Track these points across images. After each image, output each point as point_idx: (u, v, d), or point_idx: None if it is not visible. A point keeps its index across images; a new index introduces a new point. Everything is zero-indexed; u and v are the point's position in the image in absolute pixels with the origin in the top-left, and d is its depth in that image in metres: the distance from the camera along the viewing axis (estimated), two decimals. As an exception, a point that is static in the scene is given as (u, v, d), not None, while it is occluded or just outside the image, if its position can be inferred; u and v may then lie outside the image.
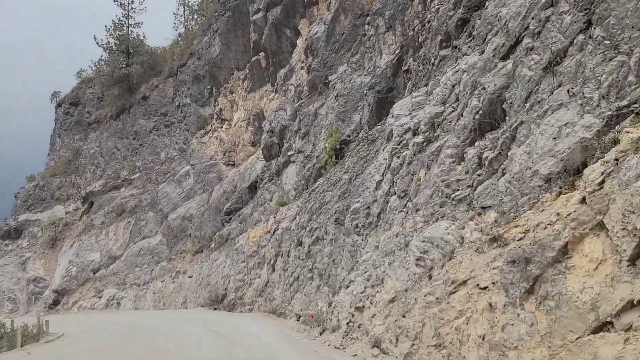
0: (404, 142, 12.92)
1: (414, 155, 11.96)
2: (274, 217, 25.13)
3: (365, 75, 23.23)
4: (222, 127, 37.19)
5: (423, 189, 10.83)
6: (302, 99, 28.46)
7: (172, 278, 32.05)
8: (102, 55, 45.61)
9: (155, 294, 31.99)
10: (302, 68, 29.41)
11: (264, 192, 29.01)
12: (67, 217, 43.40)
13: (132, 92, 46.53)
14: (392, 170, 12.97)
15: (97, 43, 45.90)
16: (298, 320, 15.90)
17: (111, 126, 46.95)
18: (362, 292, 12.28)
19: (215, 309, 26.25)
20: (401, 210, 11.60)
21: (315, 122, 26.26)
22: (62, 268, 37.30)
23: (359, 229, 15.19)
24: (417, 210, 10.99)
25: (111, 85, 47.60)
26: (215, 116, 37.66)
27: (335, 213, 17.66)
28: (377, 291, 11.64)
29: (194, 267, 31.18)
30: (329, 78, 26.19)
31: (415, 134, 12.64)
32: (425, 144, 11.69)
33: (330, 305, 13.82)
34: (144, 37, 46.49)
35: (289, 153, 27.66)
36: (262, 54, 33.37)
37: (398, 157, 12.94)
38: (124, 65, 45.77)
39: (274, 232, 24.07)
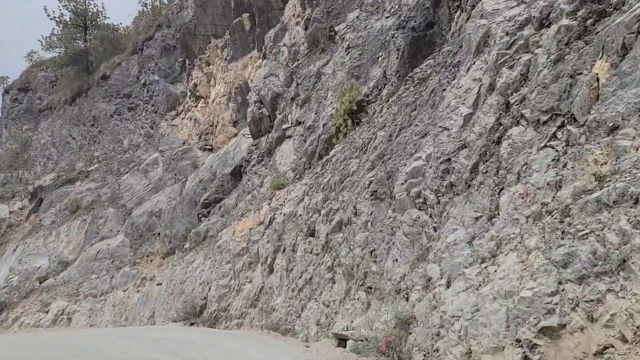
0: (521, 41, 7.79)
1: (566, 45, 6.78)
2: (269, 204, 19.67)
3: (387, 17, 18.07)
4: (197, 106, 31.55)
5: (614, 92, 5.65)
6: (298, 60, 23.13)
7: (136, 286, 26.20)
8: (54, 29, 39.59)
9: (116, 307, 26.08)
10: (297, 24, 24.09)
11: (252, 176, 23.51)
12: (12, 217, 36.95)
13: (90, 72, 40.45)
14: (503, 89, 7.80)
15: (47, 15, 39.72)
16: (339, 346, 10.40)
17: (65, 112, 40.74)
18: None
19: (192, 324, 20.56)
20: (547, 145, 6.40)
21: (318, 84, 20.97)
22: (1, 278, 30.94)
23: (423, 200, 9.92)
24: (599, 134, 5.82)
25: (65, 64, 41.43)
26: (189, 93, 31.99)
27: (369, 185, 12.37)
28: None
29: (164, 273, 25.42)
30: (336, 29, 20.95)
31: (542, 25, 7.50)
32: (590, 21, 6.54)
33: (399, 320, 8.42)
34: (103, 8, 40.50)
35: (284, 126, 22.29)
36: (245, 14, 27.95)
37: (512, 67, 7.79)
38: (80, 42, 39.67)
39: (270, 223, 18.61)
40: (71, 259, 30.06)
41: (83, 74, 40.49)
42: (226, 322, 19.08)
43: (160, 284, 25.07)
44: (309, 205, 15.63)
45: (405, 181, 10.62)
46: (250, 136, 24.80)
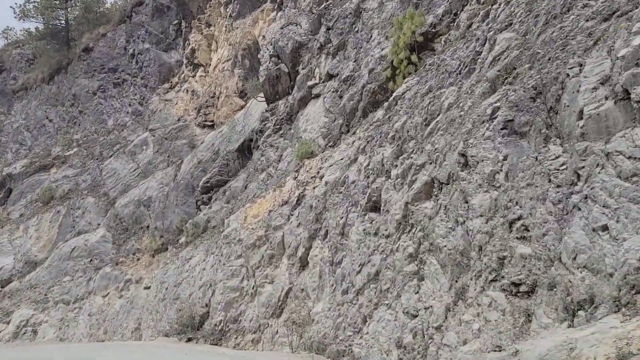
0: None
1: None
2: (295, 178, 14.75)
3: None
4: (194, 76, 26.67)
5: None
6: (328, 1, 18.31)
7: (119, 291, 21.13)
8: (30, -1, 34.89)
9: (93, 316, 21.00)
10: (323, -41, 19.29)
11: (267, 150, 18.60)
12: (-25, 211, 31.83)
13: (71, 46, 35.49)
14: None
15: (23, -20, 34.76)
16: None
17: (42, 92, 35.69)
18: None
19: (189, 339, 15.56)
20: None
21: (357, 25, 16.17)
22: (-44, 280, 25.83)
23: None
24: None
25: (43, 38, 36.48)
26: (186, 61, 27.11)
27: (493, 115, 7.52)
28: None
29: (154, 274, 20.40)
30: (380, -48, 16.17)
31: None
32: None
33: None
34: (87, -27, 35.57)
35: (309, 83, 17.46)
36: (255, -40, 23.18)
37: None
38: (60, 10, 34.74)
39: (299, 200, 13.70)
40: (41, 257, 24.96)
41: (63, 47, 35.55)
42: (237, 338, 14.10)
43: (149, 288, 20.05)
44: (368, 165, 10.71)
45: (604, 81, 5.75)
46: (263, 99, 19.90)
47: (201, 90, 25.91)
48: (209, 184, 21.38)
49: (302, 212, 13.00)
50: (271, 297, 13.35)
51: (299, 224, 12.96)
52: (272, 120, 18.89)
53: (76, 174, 28.62)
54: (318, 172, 13.73)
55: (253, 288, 14.33)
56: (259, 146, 19.56)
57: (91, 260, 23.41)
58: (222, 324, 14.88)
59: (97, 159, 28.48)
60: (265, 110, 19.47)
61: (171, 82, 27.98)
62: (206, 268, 17.09)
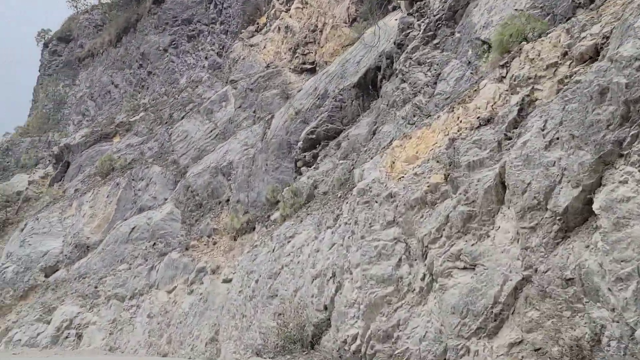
0: None
1: None
2: (501, 79, 8.13)
3: None
4: (289, 10, 20.78)
5: None
6: None
7: (188, 284, 15.35)
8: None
9: (154, 319, 15.32)
10: None
11: (411, 72, 12.12)
12: (30, 188, 27.57)
13: (141, 1, 30.83)
14: None
15: None
16: None
17: (108, 56, 31.33)
18: None
19: (300, 365, 9.33)
20: None
21: None
22: (-4, 267, 21.25)
23: None
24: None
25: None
26: (277, -7, 21.27)
27: None
28: None
29: (237, 261, 14.43)
30: None
31: None
32: None
33: None
34: None
35: (490, -45, 10.77)
36: None
37: None
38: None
39: (522, 111, 7.05)
40: (94, 240, 19.77)
41: (132, 3, 30.93)
42: (394, 370, 7.65)
43: (230, 281, 14.09)
44: None
45: None
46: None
47: (298, 25, 19.93)
48: (313, 137, 15.22)
49: (553, 123, 6.35)
50: (473, 297, 6.81)
51: (550, 144, 6.31)
52: (419, 26, 12.39)
53: (141, 142, 23.49)
54: (564, 55, 7.06)
55: (424, 279, 7.85)
56: (395, 72, 13.13)
57: (154, 243, 17.88)
58: (359, 343, 8.51)
59: (166, 122, 23.21)
60: (408, 14, 12.99)
61: (257, 24, 22.25)
62: (321, 249, 10.81)
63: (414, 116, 11.44)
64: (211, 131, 20.55)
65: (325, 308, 9.89)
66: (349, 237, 9.57)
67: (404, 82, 12.35)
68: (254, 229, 15.96)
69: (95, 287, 17.58)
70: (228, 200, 17.85)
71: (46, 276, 19.65)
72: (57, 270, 19.71)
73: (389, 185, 9.25)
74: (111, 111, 28.58)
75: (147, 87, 27.67)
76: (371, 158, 11.63)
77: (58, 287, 18.78)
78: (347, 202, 10.62)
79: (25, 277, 19.72)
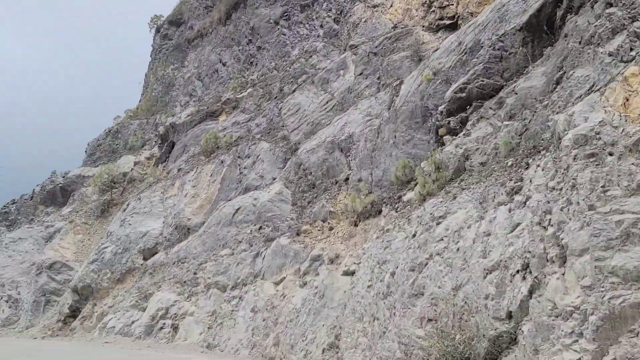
0: None
1: None
2: None
3: None
4: (421, -40, 17.64)
5: None
6: None
7: (300, 275, 12.75)
8: None
9: (258, 314, 12.89)
10: None
11: (623, -10, 8.50)
12: (135, 169, 26.70)
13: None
14: None
15: None
16: None
17: (217, 34, 29.98)
18: None
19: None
20: None
21: None
22: (95, 249, 20.07)
23: None
24: None
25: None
26: (407, -58, 18.22)
27: None
28: None
29: (362, 249, 11.59)
30: None
31: None
32: None
33: None
34: None
35: None
36: None
37: None
38: None
39: None
40: (195, 222, 17.87)
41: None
42: None
43: (352, 273, 11.26)
44: None
45: None
46: None
47: (433, -24, 16.75)
48: (463, 96, 11.99)
49: None
50: None
51: None
52: None
53: (248, 119, 21.46)
54: None
55: None
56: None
57: (260, 227, 15.52)
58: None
59: (275, 97, 20.97)
60: None
61: (382, -19, 19.34)
62: (494, 232, 7.66)
63: (631, 50, 7.92)
64: (327, 103, 17.94)
65: (510, 316, 6.73)
66: (561, 209, 6.30)
67: (612, 5, 8.82)
68: (379, 212, 13.06)
69: (195, 274, 15.55)
70: (347, 179, 15.10)
71: (144, 259, 18.05)
72: (156, 253, 18.04)
73: (628, 129, 5.90)
74: (218, 90, 27.06)
75: (255, 63, 25.78)
76: (563, 108, 8.28)
77: (156, 272, 17.04)
78: (538, 165, 7.37)
79: (123, 258, 18.25)
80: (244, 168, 18.25)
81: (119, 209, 23.97)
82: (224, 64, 28.10)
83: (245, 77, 25.26)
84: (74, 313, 18.85)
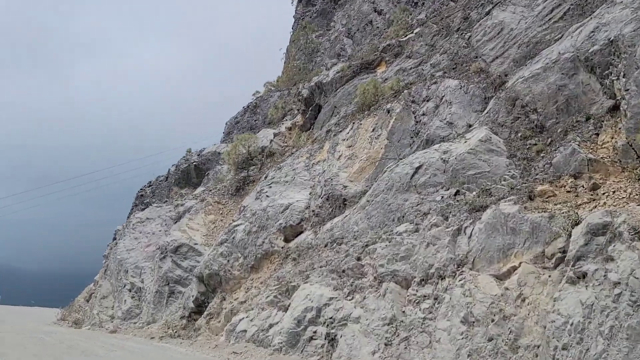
0: None
1: None
2: None
3: None
4: None
5: None
6: None
7: (553, 262, 7.14)
8: None
9: (476, 327, 7.49)
10: None
11: None
12: (275, 141, 22.69)
13: None
14: None
15: None
16: None
17: (369, -17, 25.14)
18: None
19: None
20: None
21: None
22: (225, 227, 16.03)
23: None
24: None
25: None
26: None
27: None
28: None
29: None
30: None
31: None
32: None
33: None
34: None
35: None
36: None
37: None
38: None
39: None
40: (353, 190, 12.90)
41: None
42: None
43: None
44: None
45: None
46: None
47: None
48: None
49: None
50: None
51: None
52: None
53: (419, 62, 16.16)
54: None
55: None
56: None
57: (457, 191, 10.08)
58: None
59: (457, 29, 15.42)
60: None
61: None
62: None
63: None
64: (551, 11, 11.99)
65: None
66: None
67: None
68: None
69: (358, 259, 10.53)
70: (613, 109, 9.13)
71: (286, 240, 13.47)
72: (301, 232, 13.37)
73: None
74: (372, 42, 22.13)
75: (421, 3, 20.45)
76: None
77: (301, 257, 12.33)
78: None
79: (258, 239, 13.84)
80: (422, 115, 12.93)
81: (253, 188, 20.09)
82: (379, 13, 23.16)
83: (409, 20, 20.02)
84: (199, 308, 14.88)
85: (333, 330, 9.51)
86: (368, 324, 9.06)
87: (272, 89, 30.25)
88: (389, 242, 10.15)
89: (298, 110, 23.40)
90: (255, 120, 28.52)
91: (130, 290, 18.18)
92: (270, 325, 11.13)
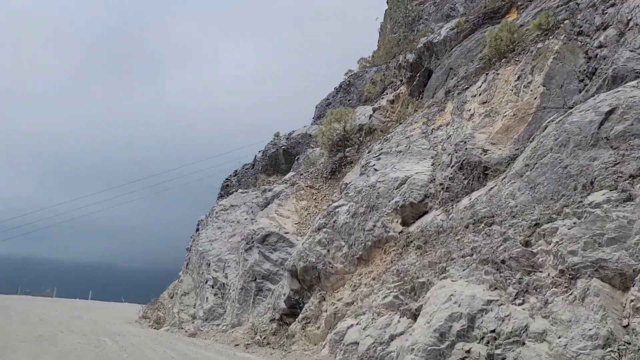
0: None
1: None
2: None
3: None
4: None
5: None
6: None
7: None
8: None
9: None
10: None
11: None
12: (375, 116, 19.55)
13: None
14: None
15: None
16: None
17: None
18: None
19: None
20: None
21: None
22: (323, 210, 13.10)
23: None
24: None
25: None
26: None
27: None
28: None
29: None
30: None
31: None
32: None
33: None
34: None
35: None
36: None
37: None
38: None
39: None
40: (497, 155, 9.51)
41: None
42: None
43: None
44: None
45: None
46: None
47: None
48: None
49: None
50: None
51: None
52: None
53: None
54: None
55: None
56: None
57: (689, 140, 6.45)
58: None
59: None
60: None
61: None
62: None
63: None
64: None
65: None
66: None
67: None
68: None
69: (526, 245, 7.16)
70: None
71: (404, 223, 10.27)
72: (425, 212, 10.11)
73: None
74: (492, -6, 18.43)
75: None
76: None
77: (429, 244, 9.09)
78: None
79: (367, 222, 10.73)
80: (598, 48, 9.28)
81: (351, 169, 17.15)
82: (498, -40, 19.34)
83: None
84: (292, 309, 12.06)
85: (499, 351, 6.21)
86: (565, 344, 5.67)
87: (367, 65, 27.16)
88: (579, 218, 6.70)
89: (401, 81, 20.12)
90: (349, 100, 25.57)
91: (212, 287, 15.74)
92: (392, 337, 8.01)
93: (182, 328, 15.65)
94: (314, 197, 17.27)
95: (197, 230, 22.00)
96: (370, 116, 19.57)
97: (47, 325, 13.14)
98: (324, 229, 11.65)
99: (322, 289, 11.23)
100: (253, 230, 15.04)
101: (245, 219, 17.41)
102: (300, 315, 11.31)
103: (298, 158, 22.52)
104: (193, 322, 15.68)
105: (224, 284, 15.56)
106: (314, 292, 11.48)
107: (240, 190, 19.60)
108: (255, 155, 25.67)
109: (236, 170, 27.32)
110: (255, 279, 14.18)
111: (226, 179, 27.48)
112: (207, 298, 15.68)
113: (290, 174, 20.70)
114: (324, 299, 11.05)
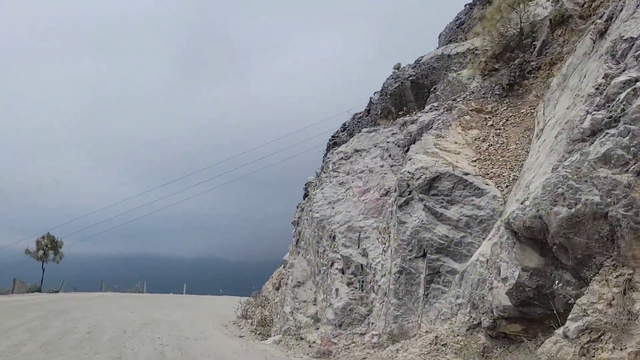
0: None
1: None
2: None
3: None
4: None
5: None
6: None
7: None
8: None
9: None
10: None
11: None
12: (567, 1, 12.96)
13: None
14: None
15: None
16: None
17: None
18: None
19: None
20: None
21: None
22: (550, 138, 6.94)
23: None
24: None
25: None
26: None
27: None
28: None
29: None
30: None
31: None
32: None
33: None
34: None
35: None
36: None
37: None
38: None
39: None
40: None
41: None
42: None
43: None
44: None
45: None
46: None
47: None
48: None
49: None
50: None
51: None
52: None
53: None
54: None
55: None
56: None
57: None
58: None
59: None
60: None
61: None
62: None
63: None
64: None
65: None
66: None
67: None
68: None
69: None
70: None
71: None
72: None
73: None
74: None
75: None
76: None
77: None
78: None
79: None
80: None
81: (543, 79, 10.75)
82: None
83: None
84: (524, 308, 5.91)
85: None
86: None
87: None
88: None
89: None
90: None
91: (343, 272, 9.92)
92: None
93: (301, 338, 10.02)
94: (490, 123, 10.96)
95: (306, 196, 16.37)
96: (557, 1, 12.85)
97: (85, 344, 7.97)
98: (607, 132, 5.34)
99: (621, 264, 4.99)
100: (409, 172, 8.98)
101: (382, 166, 11.42)
102: (573, 326, 5.12)
103: (435, 89, 16.18)
104: (317, 329, 9.99)
105: (362, 265, 9.69)
106: (591, 269, 5.26)
107: (365, 130, 13.56)
108: (371, 98, 19.58)
109: (345, 124, 21.44)
110: (424, 254, 8.15)
111: (332, 135, 21.66)
112: (336, 290, 9.87)
113: (433, 103, 14.41)
114: (633, 286, 4.80)
